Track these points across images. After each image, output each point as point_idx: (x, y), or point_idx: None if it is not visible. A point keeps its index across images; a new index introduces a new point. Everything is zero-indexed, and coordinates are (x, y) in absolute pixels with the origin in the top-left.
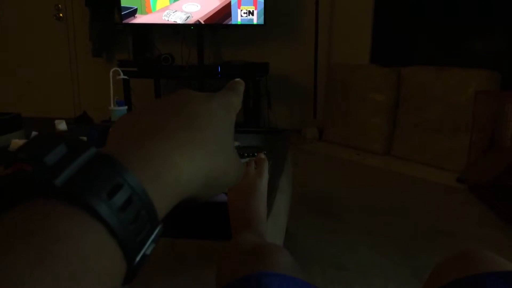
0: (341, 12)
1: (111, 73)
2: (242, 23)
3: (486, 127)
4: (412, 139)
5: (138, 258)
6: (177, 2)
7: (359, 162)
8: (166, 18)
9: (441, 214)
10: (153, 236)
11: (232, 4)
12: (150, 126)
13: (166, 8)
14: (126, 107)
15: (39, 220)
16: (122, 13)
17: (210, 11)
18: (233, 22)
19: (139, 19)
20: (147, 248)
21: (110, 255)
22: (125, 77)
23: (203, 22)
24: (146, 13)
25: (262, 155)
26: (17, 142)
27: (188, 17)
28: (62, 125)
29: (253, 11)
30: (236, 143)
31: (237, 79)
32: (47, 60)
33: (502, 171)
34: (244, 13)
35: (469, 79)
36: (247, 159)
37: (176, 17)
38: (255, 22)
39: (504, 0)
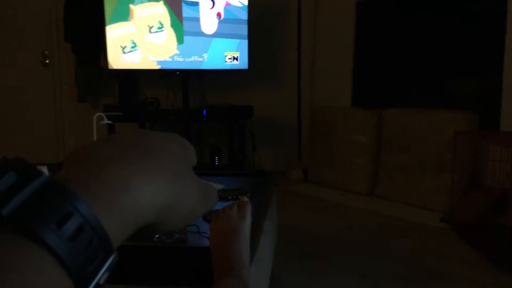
0: (322, 57)
1: (94, 119)
2: (227, 68)
3: (467, 166)
4: (395, 179)
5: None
6: None
7: (344, 203)
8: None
9: (426, 254)
10: (106, 265)
11: None
12: (106, 155)
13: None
14: None
15: None
16: (109, 58)
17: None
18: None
19: (126, 64)
20: (100, 277)
21: (59, 286)
22: (109, 122)
23: (188, 67)
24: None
25: (245, 198)
26: None
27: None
28: (44, 171)
29: (237, 56)
30: (221, 186)
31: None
32: (32, 105)
33: (484, 210)
34: (228, 58)
35: (448, 120)
36: (230, 202)
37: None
38: (239, 67)
39: (480, 44)
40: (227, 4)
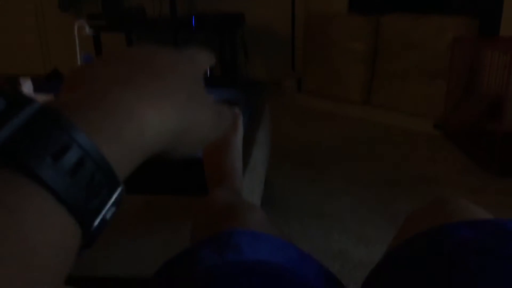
0: None
1: (75, 28)
2: None
3: (463, 73)
4: (390, 87)
5: (96, 224)
6: None
7: (338, 112)
8: None
9: (419, 161)
10: (112, 200)
11: None
12: (109, 78)
13: None
14: None
15: None
16: None
17: None
18: None
19: None
20: (106, 212)
21: (60, 225)
22: (91, 32)
23: None
24: None
25: (237, 110)
26: None
27: None
28: (27, 84)
29: None
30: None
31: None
32: (12, 16)
33: (478, 117)
34: None
35: (447, 26)
36: None
37: None
38: None
39: None
40: None
